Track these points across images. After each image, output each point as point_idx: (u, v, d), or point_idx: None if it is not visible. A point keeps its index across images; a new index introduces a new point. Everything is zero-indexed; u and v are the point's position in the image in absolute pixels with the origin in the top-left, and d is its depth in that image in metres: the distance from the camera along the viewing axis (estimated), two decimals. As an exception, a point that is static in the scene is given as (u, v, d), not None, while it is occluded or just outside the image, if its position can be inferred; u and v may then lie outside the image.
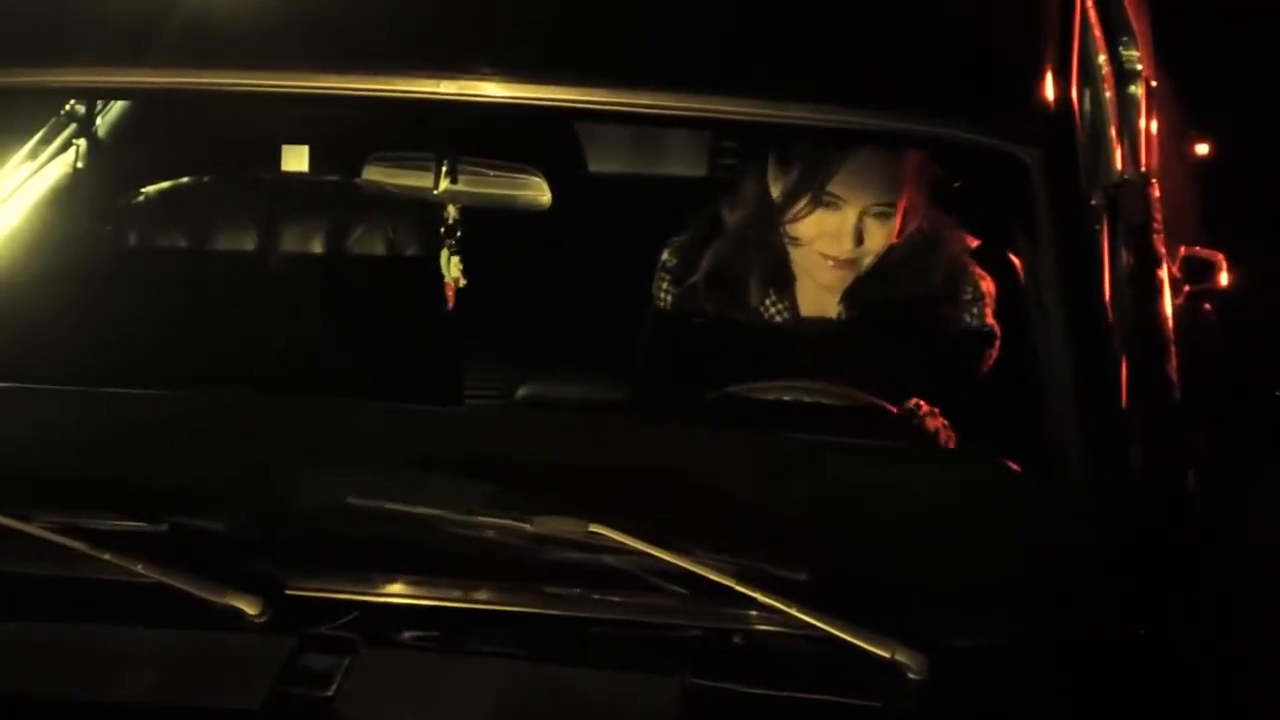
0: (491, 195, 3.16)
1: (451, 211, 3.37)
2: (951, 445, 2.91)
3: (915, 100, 2.59)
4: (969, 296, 3.07)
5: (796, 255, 3.06)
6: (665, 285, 3.14)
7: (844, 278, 3.05)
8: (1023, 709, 2.31)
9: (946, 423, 2.91)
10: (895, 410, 2.89)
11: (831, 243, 2.99)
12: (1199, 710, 2.36)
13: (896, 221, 2.99)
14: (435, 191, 3.14)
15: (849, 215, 2.97)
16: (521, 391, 3.75)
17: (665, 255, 3.16)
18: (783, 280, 3.08)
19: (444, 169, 3.12)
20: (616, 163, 4.43)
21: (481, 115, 2.63)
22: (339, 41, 2.65)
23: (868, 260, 3.02)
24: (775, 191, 3.02)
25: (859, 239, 2.98)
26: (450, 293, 3.41)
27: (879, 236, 2.99)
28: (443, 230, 3.41)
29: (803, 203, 2.96)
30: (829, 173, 2.93)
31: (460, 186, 3.12)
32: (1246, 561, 2.72)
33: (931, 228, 3.08)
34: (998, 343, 3.08)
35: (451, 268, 3.42)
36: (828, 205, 2.97)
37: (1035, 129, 2.57)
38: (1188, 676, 2.38)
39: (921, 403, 2.90)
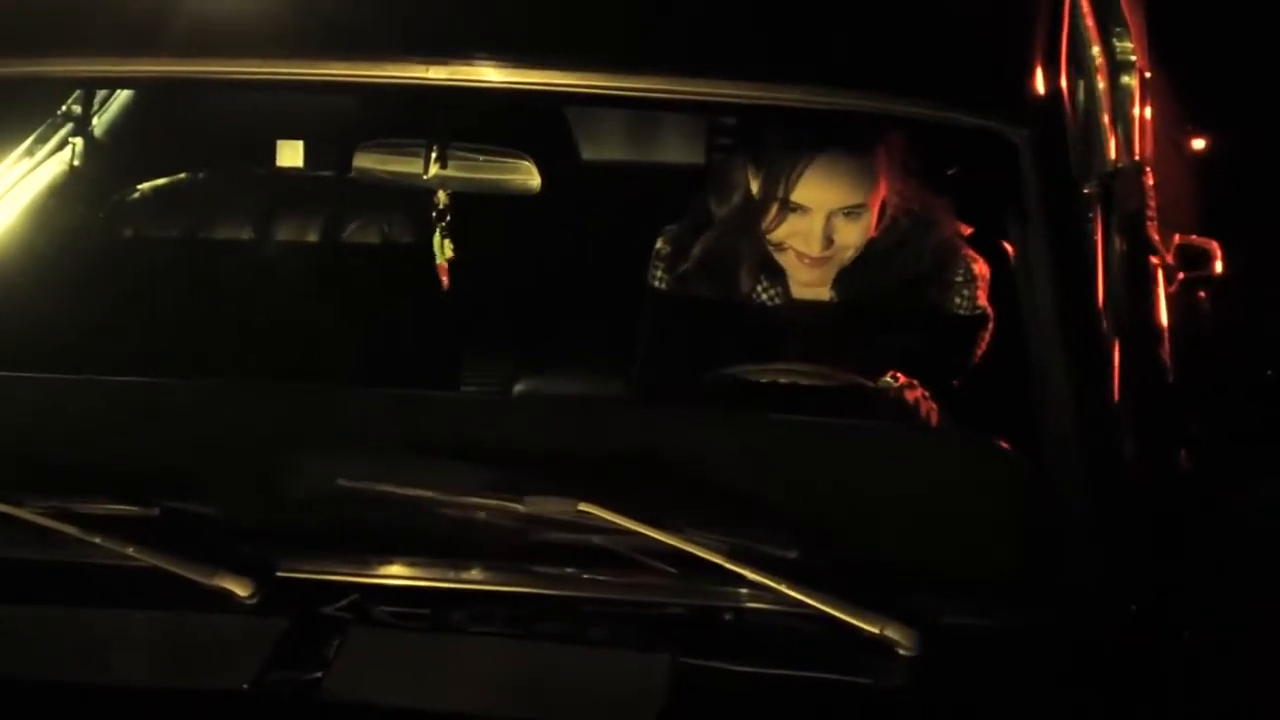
0: (481, 180, 3.17)
1: (442, 197, 3.37)
2: (933, 417, 2.91)
3: (906, 82, 2.60)
4: (960, 279, 3.08)
5: (776, 253, 3.07)
6: (660, 273, 3.15)
7: (822, 275, 3.06)
8: (1012, 686, 2.31)
9: (925, 393, 2.91)
10: (872, 383, 2.89)
11: (803, 243, 3.00)
12: (1191, 686, 2.36)
13: (871, 217, 3.00)
14: (425, 177, 3.15)
15: (816, 220, 2.98)
16: (519, 387, 3.75)
17: (659, 244, 3.17)
18: (774, 266, 3.09)
19: (434, 155, 3.13)
20: (612, 150, 4.42)
21: (472, 102, 2.63)
22: (329, 28, 2.65)
23: (847, 254, 3.03)
24: (755, 189, 3.03)
25: (828, 241, 2.99)
26: (443, 274, 3.41)
27: (851, 235, 3.00)
28: (434, 215, 3.41)
29: (773, 211, 2.98)
30: (791, 181, 2.94)
31: (450, 172, 3.13)
32: (1240, 545, 2.72)
33: (923, 210, 3.08)
34: (991, 325, 3.08)
35: (445, 249, 3.42)
36: (795, 210, 2.98)
37: (1024, 110, 2.57)
38: (1180, 654, 2.38)
39: (899, 375, 2.90)
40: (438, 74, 2.54)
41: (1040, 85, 2.60)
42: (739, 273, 3.10)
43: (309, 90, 3.20)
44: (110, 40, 2.70)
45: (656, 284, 3.15)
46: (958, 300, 3.07)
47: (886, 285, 3.06)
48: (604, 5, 2.69)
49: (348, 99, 3.67)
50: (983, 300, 3.10)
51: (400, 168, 3.15)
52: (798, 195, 2.96)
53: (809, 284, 3.09)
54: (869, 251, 3.04)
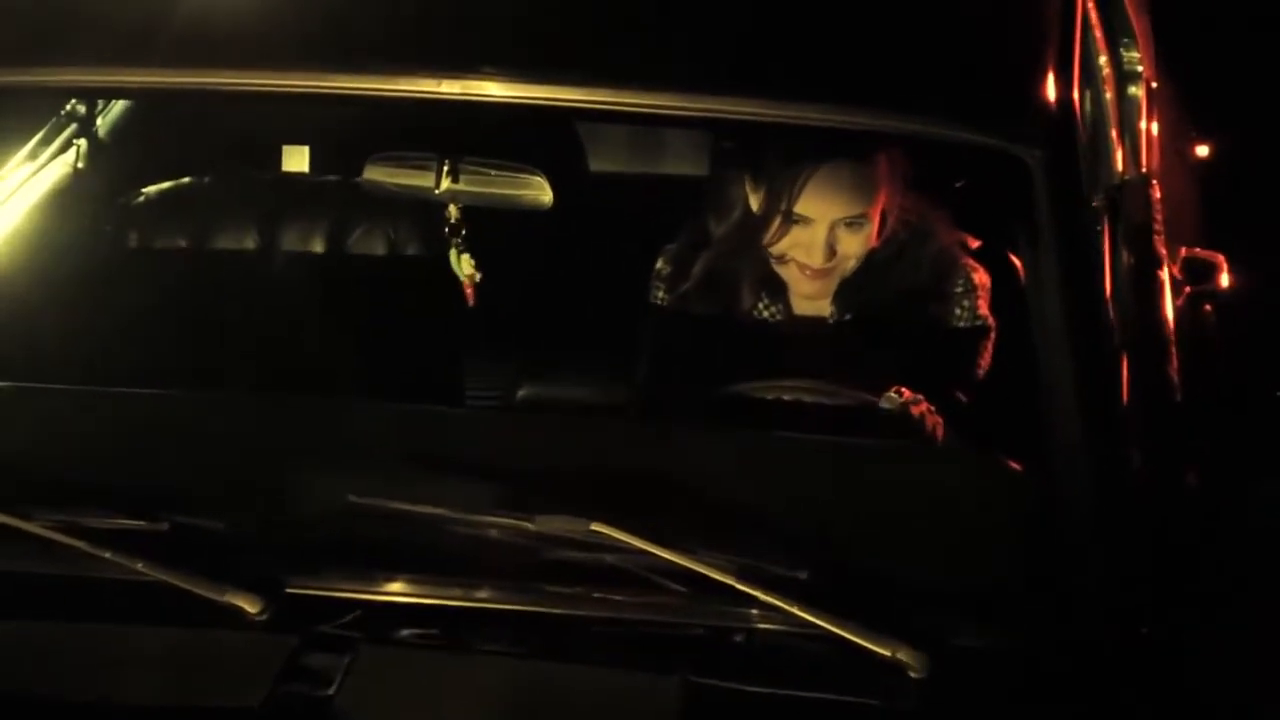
0: (493, 195, 3.16)
1: (453, 211, 3.37)
2: (939, 431, 2.91)
3: (917, 101, 2.59)
4: (960, 289, 3.08)
5: (777, 267, 3.07)
6: (661, 293, 3.16)
7: (824, 287, 3.07)
8: (1023, 708, 2.31)
9: (931, 408, 2.91)
10: (877, 399, 2.89)
11: (805, 254, 3.01)
12: (1199, 709, 2.36)
13: (872, 228, 3.01)
14: (436, 191, 3.14)
15: (819, 230, 2.98)
16: (522, 392, 3.75)
17: (659, 263, 3.18)
18: (775, 283, 3.10)
19: (445, 169, 3.12)
20: (618, 162, 4.42)
21: (483, 115, 2.63)
22: (340, 41, 2.65)
23: (849, 265, 3.04)
24: (754, 205, 3.03)
25: (831, 252, 3.00)
26: (469, 290, 3.42)
27: (854, 245, 3.01)
28: (448, 230, 3.40)
29: (775, 224, 2.98)
30: (794, 193, 2.95)
31: (461, 186, 3.12)
32: (1247, 561, 2.73)
33: (920, 222, 3.09)
34: (992, 335, 3.08)
35: (464, 265, 3.42)
36: (798, 222, 2.98)
37: (1037, 130, 2.57)
38: (1189, 675, 2.38)
39: (904, 390, 2.90)
40: (450, 88, 2.54)
41: (1053, 104, 2.60)
42: (740, 290, 3.10)
43: (320, 103, 3.20)
44: (121, 50, 2.69)
45: (658, 303, 3.16)
46: (958, 311, 3.08)
47: (886, 298, 3.06)
48: (614, 22, 2.68)
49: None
50: (984, 310, 3.10)
51: (411, 181, 3.14)
52: (801, 206, 2.96)
53: (811, 297, 3.09)
54: (868, 263, 3.04)
